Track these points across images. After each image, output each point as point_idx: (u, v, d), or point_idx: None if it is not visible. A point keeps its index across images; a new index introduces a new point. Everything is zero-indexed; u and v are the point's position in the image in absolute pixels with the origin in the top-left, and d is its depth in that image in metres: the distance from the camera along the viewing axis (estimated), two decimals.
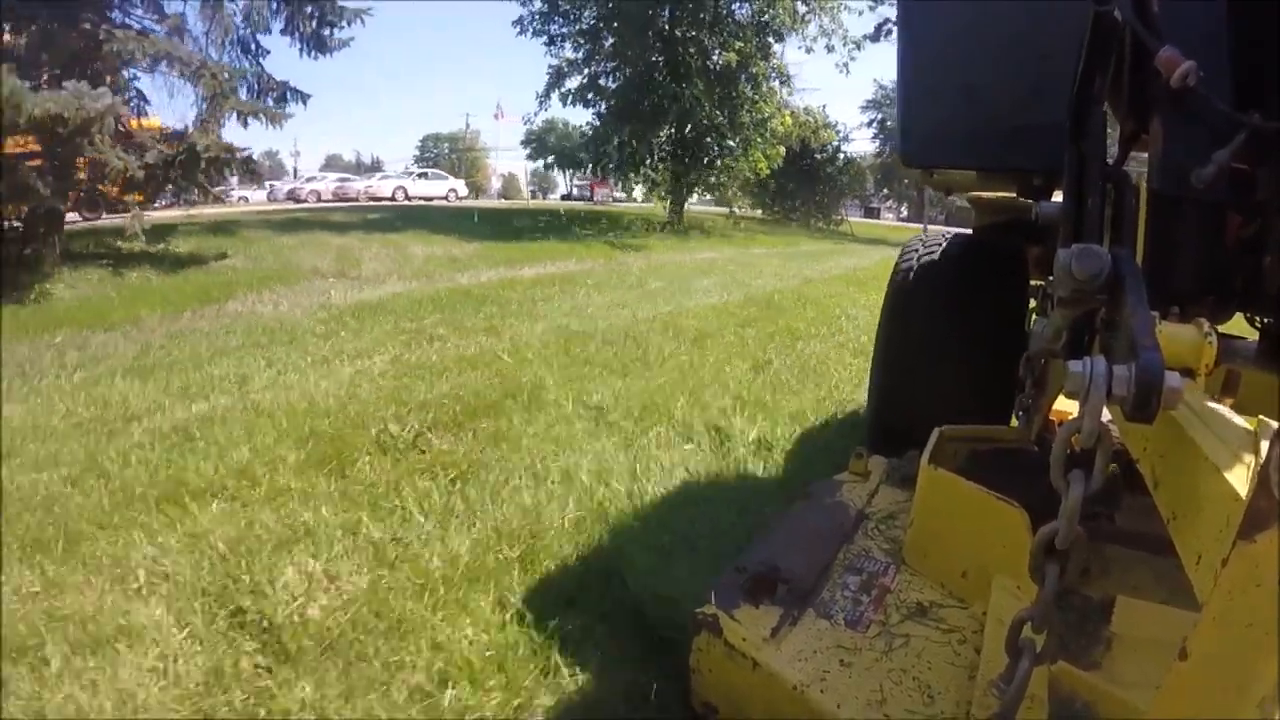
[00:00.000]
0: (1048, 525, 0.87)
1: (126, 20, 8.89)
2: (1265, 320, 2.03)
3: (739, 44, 17.19)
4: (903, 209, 48.48)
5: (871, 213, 42.43)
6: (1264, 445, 0.66)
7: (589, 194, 37.41)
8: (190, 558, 2.08)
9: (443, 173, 34.40)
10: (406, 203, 22.54)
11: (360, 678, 1.59)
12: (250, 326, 5.80)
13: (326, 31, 10.10)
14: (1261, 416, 1.05)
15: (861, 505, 1.70)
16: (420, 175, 31.68)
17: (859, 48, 19.71)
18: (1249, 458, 0.72)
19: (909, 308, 2.29)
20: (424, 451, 2.96)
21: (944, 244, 2.41)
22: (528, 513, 2.38)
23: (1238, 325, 2.13)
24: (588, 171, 22.03)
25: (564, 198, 41.83)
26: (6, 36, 7.75)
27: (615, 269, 10.23)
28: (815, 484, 1.84)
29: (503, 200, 35.43)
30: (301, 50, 10.17)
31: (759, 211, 23.22)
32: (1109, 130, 1.53)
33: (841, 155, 25.86)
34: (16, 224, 7.63)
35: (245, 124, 9.36)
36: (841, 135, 26.21)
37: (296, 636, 1.71)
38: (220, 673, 1.60)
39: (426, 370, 4.32)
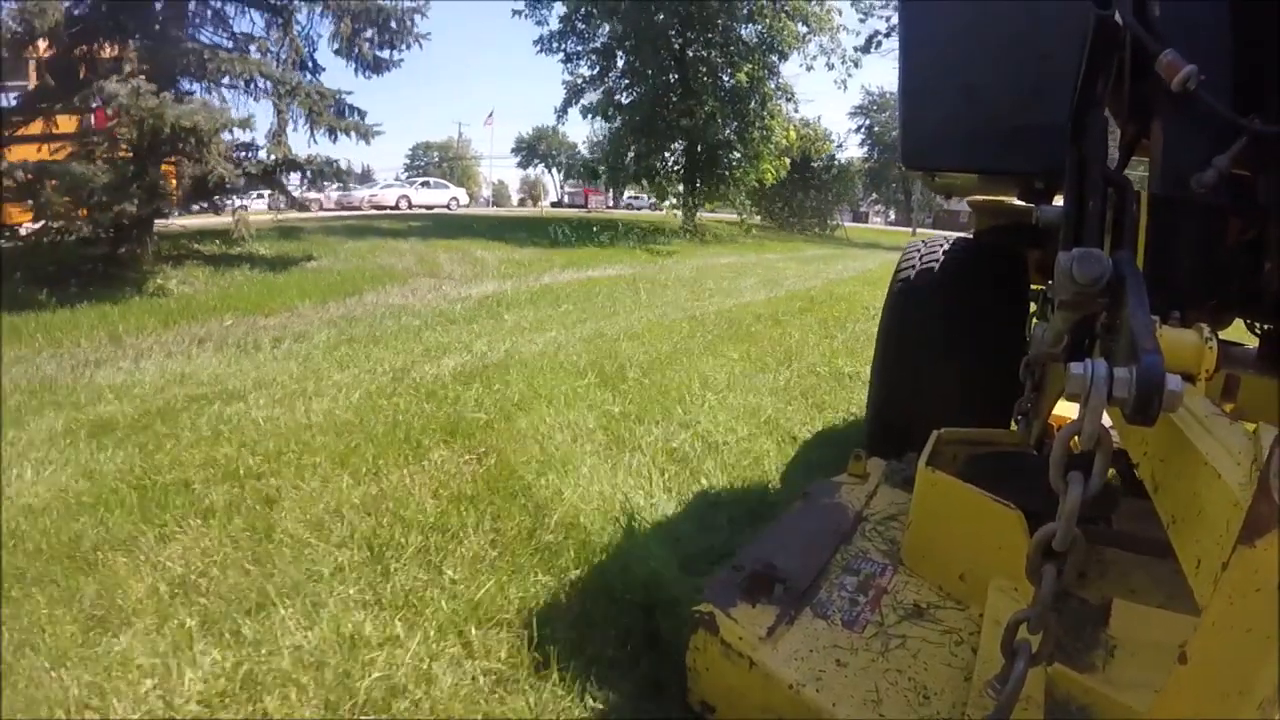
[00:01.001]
0: (1046, 527, 0.87)
1: (198, 37, 9.22)
2: (1265, 326, 2.03)
3: (748, 65, 18.17)
4: (890, 213, 48.74)
5: (860, 217, 42.68)
6: (1264, 450, 0.66)
7: (583, 201, 37.60)
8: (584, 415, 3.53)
9: (445, 182, 34.50)
10: (410, 211, 22.59)
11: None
12: (406, 313, 6.59)
13: (386, 54, 10.19)
14: (1261, 421, 1.05)
15: (860, 506, 1.70)
16: (423, 184, 31.86)
17: (857, 65, 20.99)
18: (1249, 462, 0.72)
19: (909, 311, 2.29)
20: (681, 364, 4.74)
21: (945, 247, 2.42)
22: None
23: (1237, 332, 2.14)
24: (600, 181, 22.49)
25: (554, 205, 41.83)
26: (109, 49, 8.23)
27: (663, 271, 11.18)
28: (814, 485, 1.84)
29: (495, 208, 35.48)
30: (357, 70, 10.33)
31: (757, 219, 23.79)
32: (1109, 134, 1.54)
33: (836, 164, 26.87)
34: (86, 227, 7.88)
35: (335, 138, 9.75)
36: (837, 144, 27.26)
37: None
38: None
39: (605, 338, 5.63)
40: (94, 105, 8.35)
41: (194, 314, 6.22)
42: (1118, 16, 1.24)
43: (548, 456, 2.89)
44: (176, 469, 2.74)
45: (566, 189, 45.04)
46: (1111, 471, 1.12)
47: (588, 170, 22.62)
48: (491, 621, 1.77)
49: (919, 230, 34.93)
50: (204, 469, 2.73)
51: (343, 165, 9.44)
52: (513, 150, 50.78)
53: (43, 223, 7.91)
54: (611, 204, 38.84)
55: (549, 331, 5.79)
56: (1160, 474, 0.90)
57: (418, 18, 10.10)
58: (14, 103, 8.68)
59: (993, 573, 1.30)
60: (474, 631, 1.72)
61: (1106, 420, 0.85)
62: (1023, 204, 2.14)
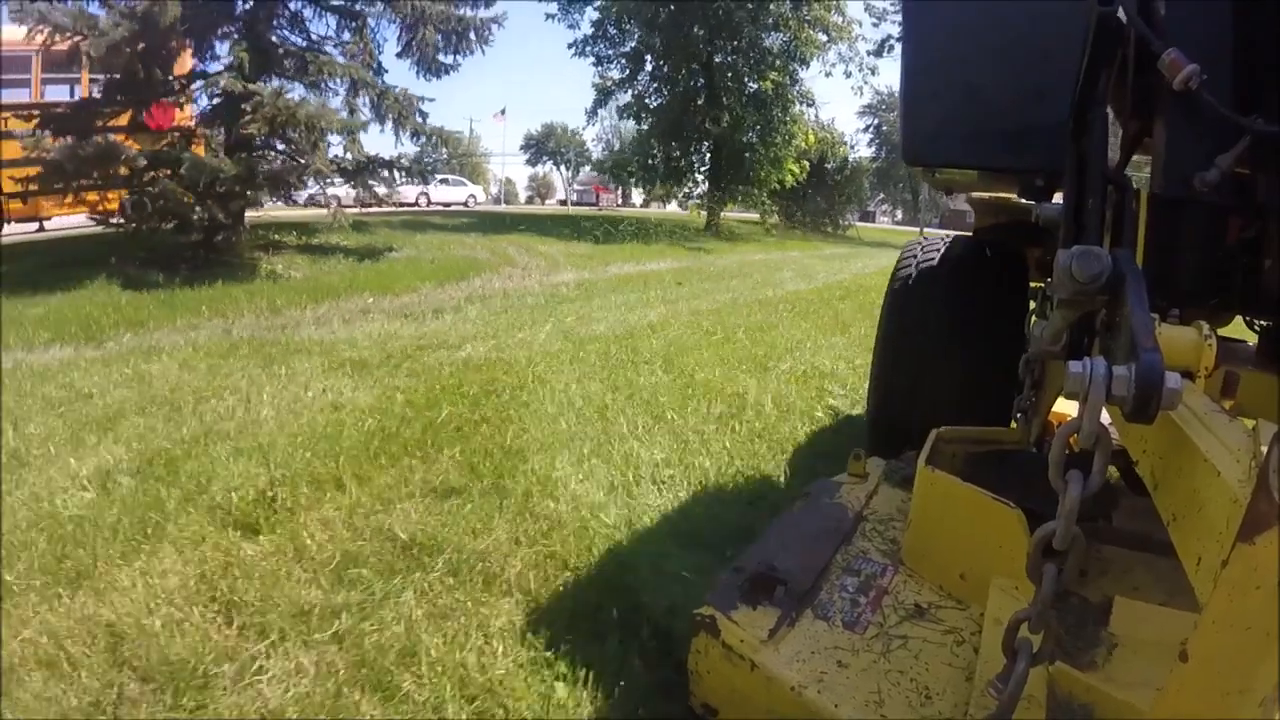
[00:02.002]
0: (1046, 525, 0.87)
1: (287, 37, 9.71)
2: (1264, 323, 2.03)
3: (773, 73, 19.17)
4: (897, 213, 48.73)
5: (867, 216, 42.58)
6: (1263, 447, 0.65)
7: (594, 199, 37.67)
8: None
9: (462, 179, 34.56)
10: (432, 208, 22.94)
11: None
12: (521, 294, 7.69)
13: (449, 59, 10.61)
14: (1260, 418, 1.05)
15: (860, 506, 1.70)
16: (442, 181, 31.96)
17: (874, 72, 21.72)
18: (1248, 459, 0.72)
19: (909, 309, 2.29)
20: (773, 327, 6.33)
21: (944, 246, 2.41)
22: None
23: (1236, 329, 2.14)
24: (632, 180, 23.25)
25: (561, 203, 41.78)
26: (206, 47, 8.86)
27: (709, 266, 12.32)
28: (814, 484, 1.84)
29: (506, 205, 35.52)
30: (418, 73, 10.65)
31: (775, 218, 24.32)
32: (1110, 132, 1.53)
33: (849, 165, 27.38)
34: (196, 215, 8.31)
35: (416, 140, 10.15)
36: (851, 147, 28.07)
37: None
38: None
39: (702, 314, 6.90)
40: (168, 100, 8.92)
41: (328, 293, 7.11)
42: (1120, 14, 1.23)
43: (721, 379, 4.30)
44: (454, 385, 3.94)
45: (576, 186, 45.04)
46: (1111, 469, 1.12)
47: (618, 169, 23.11)
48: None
49: (927, 230, 34.95)
50: (472, 385, 3.95)
51: (425, 163, 10.12)
52: (521, 147, 50.65)
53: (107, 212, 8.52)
54: (620, 202, 38.87)
55: (654, 308, 7.02)
56: (1160, 471, 0.90)
57: (495, 27, 10.68)
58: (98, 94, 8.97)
59: (993, 572, 1.30)
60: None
61: (1106, 418, 0.85)
62: (1023, 202, 2.14)
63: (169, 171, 7.69)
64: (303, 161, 8.68)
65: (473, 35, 10.36)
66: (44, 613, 1.80)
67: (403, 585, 1.93)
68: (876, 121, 38.50)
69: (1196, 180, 1.18)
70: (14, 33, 9.51)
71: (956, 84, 1.70)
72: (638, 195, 35.62)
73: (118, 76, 8.51)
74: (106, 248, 8.10)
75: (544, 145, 49.64)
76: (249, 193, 8.33)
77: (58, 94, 10.15)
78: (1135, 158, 1.82)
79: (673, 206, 30.89)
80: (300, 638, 1.71)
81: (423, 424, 3.23)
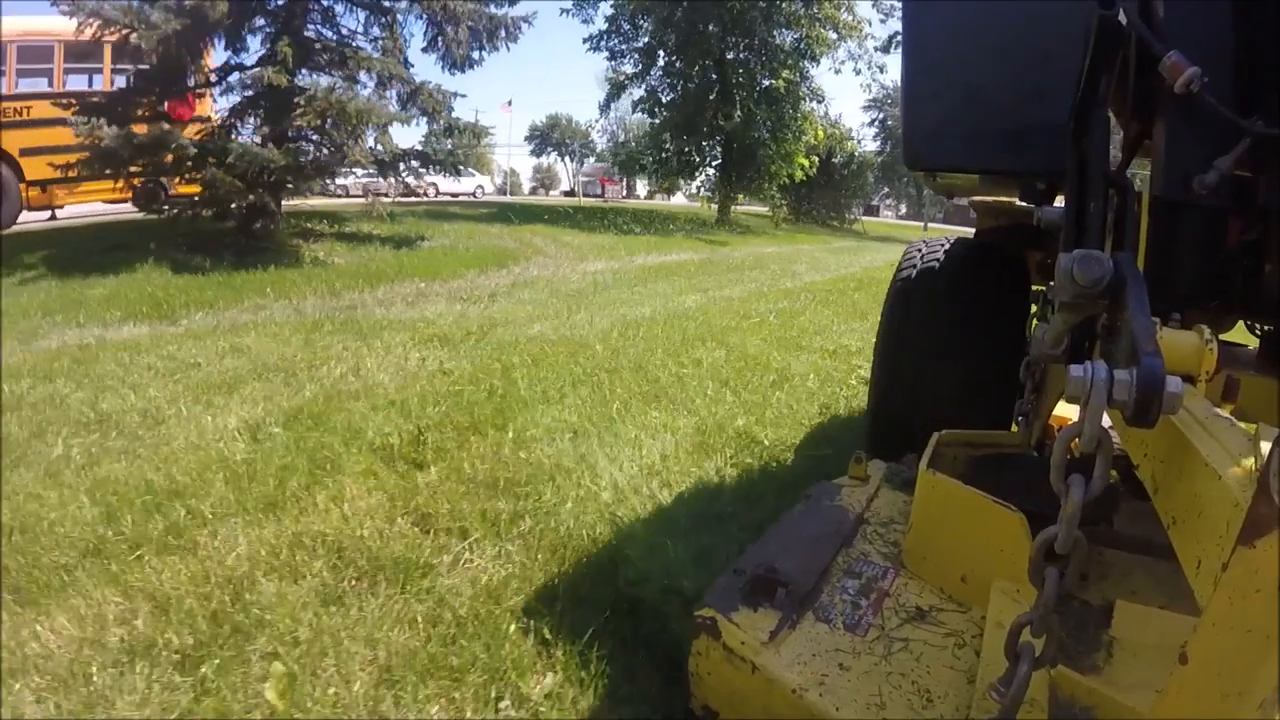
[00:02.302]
0: (1047, 529, 0.87)
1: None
2: (1265, 327, 2.03)
3: (785, 71, 19.68)
4: (901, 207, 48.79)
5: (871, 210, 42.64)
6: (1264, 450, 0.66)
7: (599, 191, 37.71)
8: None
9: (472, 170, 34.74)
10: (441, 198, 23.16)
11: None
12: (559, 281, 8.26)
13: (477, 54, 10.58)
14: (1261, 422, 1.05)
15: (861, 509, 1.70)
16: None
17: (882, 70, 22.41)
18: (1249, 463, 0.72)
19: (910, 311, 2.28)
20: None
21: (945, 248, 2.41)
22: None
23: (1238, 333, 2.14)
24: (646, 172, 23.73)
25: (565, 193, 41.76)
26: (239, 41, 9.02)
27: (727, 258, 12.81)
28: (815, 487, 1.84)
29: (510, 196, 35.47)
30: (444, 68, 10.66)
31: (784, 212, 24.84)
32: (1111, 134, 1.53)
33: (855, 160, 27.81)
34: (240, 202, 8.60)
35: (450, 134, 10.35)
36: (859, 142, 28.64)
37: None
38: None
39: (734, 300, 7.56)
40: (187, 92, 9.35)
41: (379, 278, 7.55)
42: (1121, 16, 1.24)
43: (757, 354, 4.92)
44: (542, 355, 4.54)
45: (581, 178, 45.09)
46: (1112, 472, 1.12)
47: (631, 162, 23.67)
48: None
49: (930, 225, 35.21)
50: (557, 355, 4.57)
51: (458, 156, 10.25)
52: (526, 138, 50.66)
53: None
54: (625, 194, 38.93)
55: (688, 296, 7.65)
56: (1160, 475, 0.90)
57: (525, 25, 10.69)
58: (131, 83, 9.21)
59: (995, 575, 1.30)
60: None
61: (1106, 421, 0.85)
62: (1024, 205, 2.14)
63: (214, 159, 7.87)
64: (343, 152, 9.00)
65: (503, 33, 10.47)
66: (251, 534, 2.14)
67: (561, 498, 2.46)
68: (882, 116, 38.55)
69: (1196, 183, 1.18)
70: (34, 23, 9.94)
71: (956, 86, 1.70)
72: (642, 187, 36.39)
73: (146, 67, 8.69)
74: (140, 234, 8.44)
75: (549, 136, 49.61)
76: (297, 182, 8.74)
77: (77, 84, 10.44)
78: (1136, 160, 1.82)
79: (678, 198, 31.59)
80: (491, 538, 2.18)
81: (528, 383, 3.88)
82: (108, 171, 8.40)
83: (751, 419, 3.49)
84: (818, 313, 6.96)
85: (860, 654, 1.23)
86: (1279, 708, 0.65)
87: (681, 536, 2.18)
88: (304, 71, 9.07)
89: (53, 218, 10.68)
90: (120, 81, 9.89)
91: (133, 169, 8.44)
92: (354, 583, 1.92)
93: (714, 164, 21.31)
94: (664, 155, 21.28)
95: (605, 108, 22.15)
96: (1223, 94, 1.16)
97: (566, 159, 51.26)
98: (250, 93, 8.89)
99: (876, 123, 39.30)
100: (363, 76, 9.63)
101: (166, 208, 8.74)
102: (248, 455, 2.72)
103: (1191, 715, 0.71)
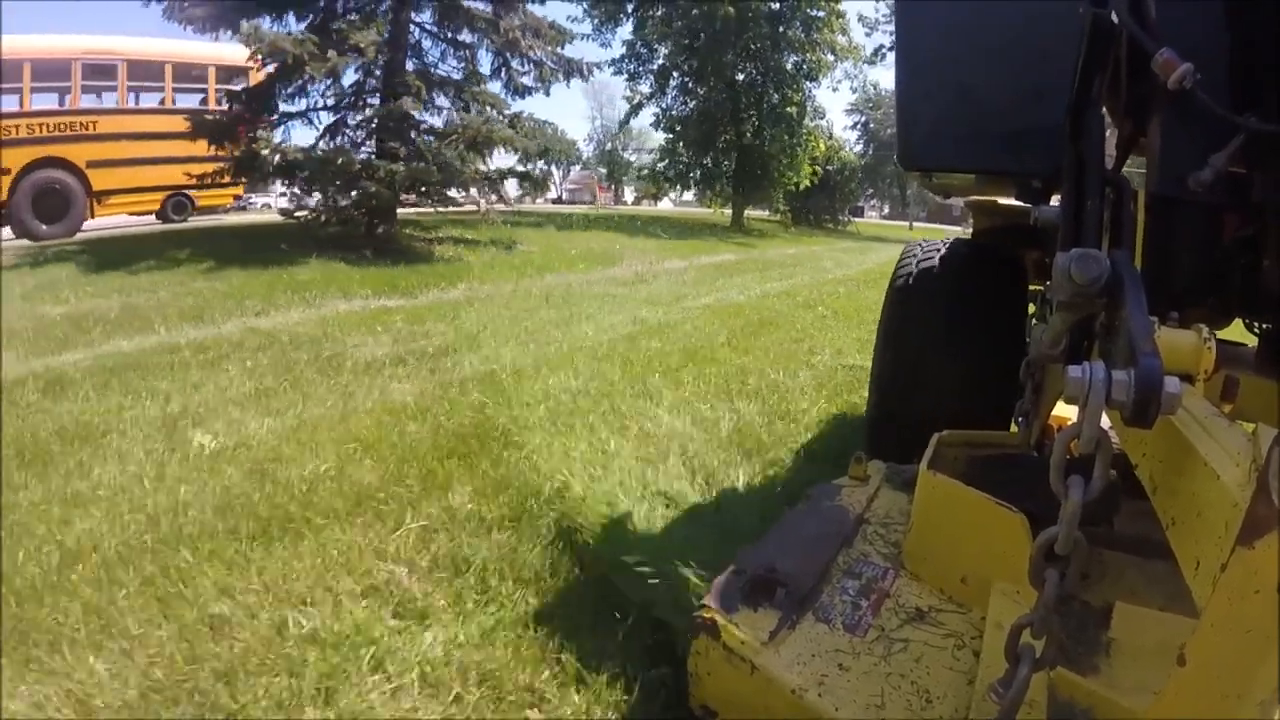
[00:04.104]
0: (1048, 530, 0.87)
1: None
2: (1264, 326, 2.03)
3: (790, 91, 22.33)
4: (884, 208, 49.21)
5: (857, 211, 43.17)
6: (1263, 451, 0.65)
7: (590, 198, 38.09)
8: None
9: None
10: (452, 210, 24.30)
11: None
12: (662, 275, 9.63)
13: (539, 85, 11.63)
14: (1260, 422, 1.05)
15: (861, 510, 1.70)
16: None
17: (875, 88, 25.89)
18: (1248, 464, 0.72)
19: (908, 313, 2.28)
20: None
21: (942, 249, 2.41)
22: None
23: (1236, 332, 2.14)
24: (665, 182, 26.01)
25: (554, 201, 42.10)
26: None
27: (759, 257, 14.19)
28: (816, 488, 1.84)
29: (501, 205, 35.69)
30: (504, 93, 11.65)
31: (778, 216, 27.10)
32: (1107, 133, 1.53)
33: (846, 167, 29.68)
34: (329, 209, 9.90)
35: (544, 156, 11.68)
36: (850, 148, 30.37)
37: None
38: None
39: (795, 289, 9.10)
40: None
41: (520, 271, 8.93)
42: (1114, 15, 1.24)
43: (851, 313, 6.77)
44: (729, 312, 6.79)
45: (568, 186, 45.41)
46: (1112, 472, 1.12)
47: (651, 175, 26.02)
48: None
49: (915, 225, 35.73)
50: (748, 311, 6.87)
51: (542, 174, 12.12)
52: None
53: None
54: (615, 200, 39.38)
55: (769, 283, 9.45)
56: (1159, 475, 0.90)
57: (594, 69, 12.48)
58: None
59: (995, 575, 1.30)
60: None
61: (1106, 422, 0.85)
62: (1020, 204, 2.14)
63: (367, 174, 9.13)
64: (455, 170, 10.26)
65: (576, 72, 11.89)
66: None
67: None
68: (864, 119, 39.21)
69: (1192, 180, 1.18)
70: (51, 40, 10.85)
71: (950, 86, 1.70)
72: (629, 194, 39.32)
73: (246, 88, 10.38)
74: (257, 238, 9.77)
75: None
76: (445, 193, 10.27)
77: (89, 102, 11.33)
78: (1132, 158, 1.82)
79: (665, 204, 33.50)
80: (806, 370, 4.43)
81: (743, 324, 6.12)
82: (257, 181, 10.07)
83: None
84: (862, 297, 8.23)
85: (860, 654, 1.23)
86: (1279, 708, 0.65)
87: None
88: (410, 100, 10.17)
89: (288, 214, 11.80)
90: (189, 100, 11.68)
91: (298, 179, 9.62)
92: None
93: (727, 175, 23.36)
94: (682, 168, 23.85)
95: (624, 123, 25.53)
96: (1216, 90, 1.16)
97: (554, 167, 51.82)
98: (365, 115, 10.23)
99: (859, 125, 40.07)
100: (440, 99, 10.79)
101: (306, 214, 9.94)
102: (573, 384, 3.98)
103: (1190, 716, 0.70)
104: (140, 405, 3.32)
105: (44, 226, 10.37)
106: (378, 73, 10.10)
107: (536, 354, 4.61)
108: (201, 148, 9.85)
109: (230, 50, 11.94)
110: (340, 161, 9.06)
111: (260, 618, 1.68)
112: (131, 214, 11.74)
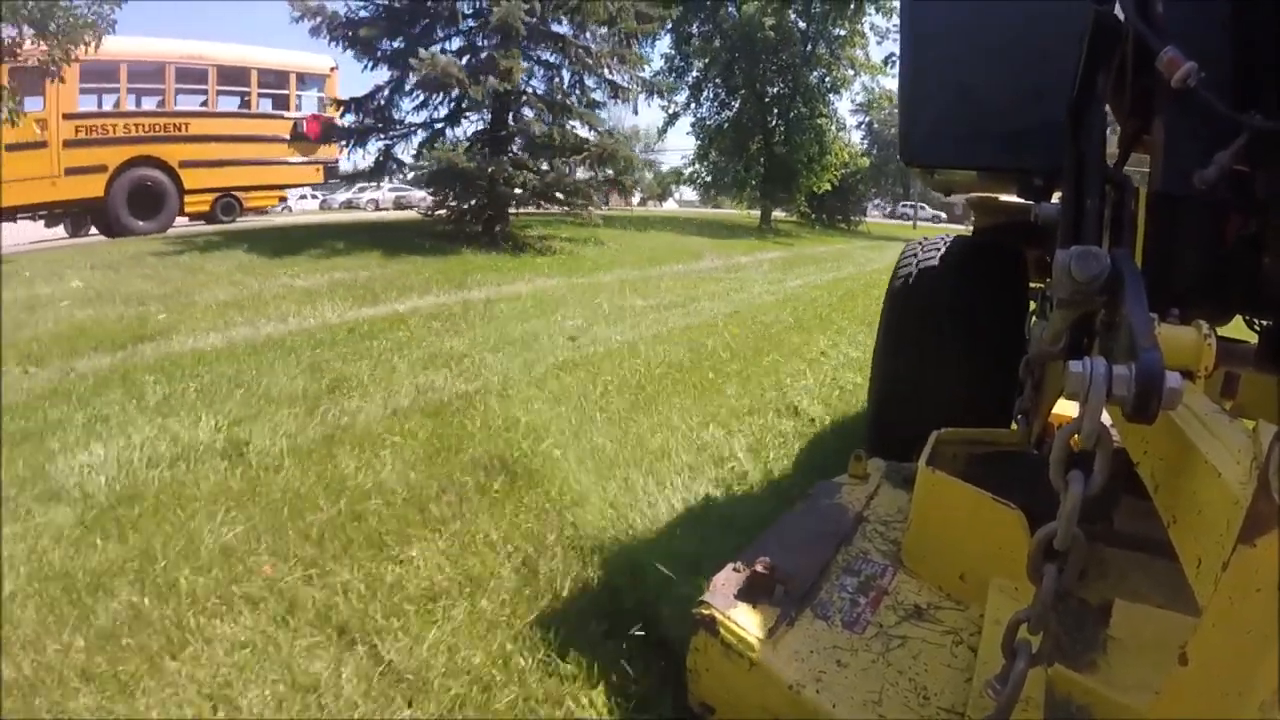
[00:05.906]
0: (1046, 526, 0.86)
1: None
2: (1264, 323, 2.02)
3: (822, 107, 24.17)
4: (886, 206, 49.59)
5: (861, 211, 43.47)
6: (1264, 448, 0.65)
7: (605, 200, 38.57)
8: None
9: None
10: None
11: None
12: (741, 268, 10.70)
13: (615, 101, 12.97)
14: (1261, 419, 1.05)
15: (860, 507, 1.70)
16: None
17: (890, 100, 26.31)
18: (1248, 461, 0.72)
19: (909, 310, 2.28)
20: None
21: (943, 247, 2.41)
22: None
23: (1236, 329, 2.13)
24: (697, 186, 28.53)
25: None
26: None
27: (805, 254, 15.25)
28: (816, 486, 1.84)
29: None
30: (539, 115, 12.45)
31: (793, 216, 28.36)
32: (1109, 131, 1.53)
33: (859, 172, 30.58)
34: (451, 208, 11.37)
35: (623, 166, 12.34)
36: (862, 153, 30.66)
37: None
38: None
39: (852, 277, 10.37)
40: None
41: (625, 262, 10.11)
42: (1118, 12, 1.23)
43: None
44: (828, 288, 8.92)
45: None
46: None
47: (693, 179, 27.94)
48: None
49: (920, 224, 36.08)
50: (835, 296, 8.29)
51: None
52: None
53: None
54: (624, 202, 40.26)
55: (828, 274, 10.69)
56: (1160, 473, 0.90)
57: (655, 95, 14.52)
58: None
59: (993, 572, 1.30)
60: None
61: (1106, 419, 0.84)
62: (1021, 201, 2.14)
63: (504, 180, 10.39)
64: (562, 176, 11.53)
65: (656, 93, 14.02)
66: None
67: None
68: (868, 119, 39.50)
69: (1195, 178, 1.18)
70: (145, 44, 11.45)
71: (953, 84, 1.69)
72: (635, 196, 37.66)
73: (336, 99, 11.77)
74: (395, 232, 11.15)
75: None
76: (556, 197, 11.36)
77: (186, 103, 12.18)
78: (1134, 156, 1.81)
79: (669, 204, 34.23)
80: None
81: (840, 294, 7.97)
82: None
83: None
84: None
85: (858, 651, 1.23)
86: (1279, 708, 0.64)
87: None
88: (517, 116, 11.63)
89: (428, 212, 12.65)
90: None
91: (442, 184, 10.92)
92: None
93: (756, 181, 25.30)
94: (714, 173, 26.46)
95: (662, 132, 27.90)
96: (1220, 88, 1.15)
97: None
98: (509, 129, 11.41)
99: (863, 125, 40.66)
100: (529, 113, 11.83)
101: (440, 212, 11.34)
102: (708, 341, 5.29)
103: (1190, 715, 0.70)
104: (538, 320, 5.69)
105: (139, 222, 11.07)
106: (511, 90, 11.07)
107: (740, 304, 6.93)
108: (287, 150, 11.14)
109: (310, 59, 13.10)
110: (490, 171, 10.27)
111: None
112: (184, 216, 12.24)
